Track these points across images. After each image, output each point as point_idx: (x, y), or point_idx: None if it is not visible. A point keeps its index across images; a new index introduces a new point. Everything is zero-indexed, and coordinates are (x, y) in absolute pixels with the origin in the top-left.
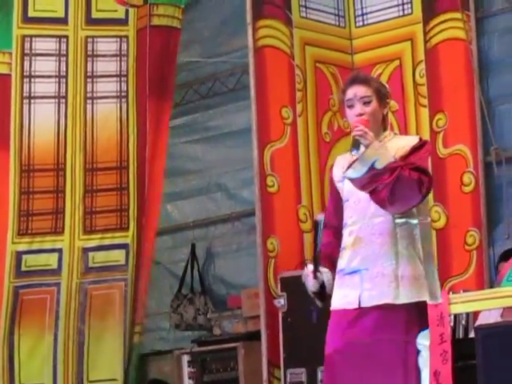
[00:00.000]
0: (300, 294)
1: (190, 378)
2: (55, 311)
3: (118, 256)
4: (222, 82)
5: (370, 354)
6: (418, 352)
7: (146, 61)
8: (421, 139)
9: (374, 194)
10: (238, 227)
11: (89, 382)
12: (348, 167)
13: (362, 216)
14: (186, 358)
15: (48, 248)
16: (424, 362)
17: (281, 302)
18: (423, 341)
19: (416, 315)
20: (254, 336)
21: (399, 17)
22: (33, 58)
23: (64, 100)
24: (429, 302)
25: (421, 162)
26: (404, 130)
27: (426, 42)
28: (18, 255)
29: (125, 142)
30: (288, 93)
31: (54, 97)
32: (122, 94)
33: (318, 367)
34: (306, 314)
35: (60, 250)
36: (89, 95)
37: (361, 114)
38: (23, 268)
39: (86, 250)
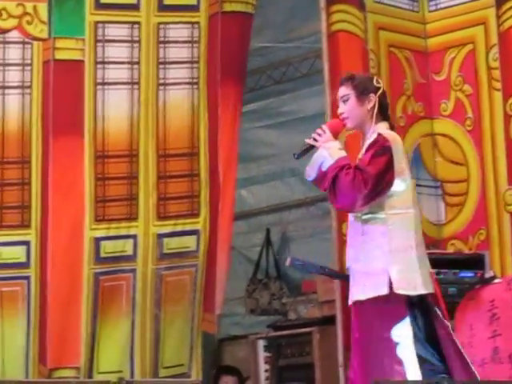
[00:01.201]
0: None
1: (265, 362)
2: (132, 298)
3: (189, 242)
4: (295, 67)
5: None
6: (396, 344)
7: (217, 47)
8: (378, 135)
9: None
10: (313, 212)
11: (163, 369)
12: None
13: (353, 213)
14: (261, 343)
15: (124, 234)
16: (406, 353)
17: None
18: (399, 332)
19: (381, 310)
20: (329, 320)
21: (472, 1)
22: (105, 44)
23: (137, 86)
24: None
25: (370, 159)
26: (477, 114)
27: (498, 25)
28: (97, 241)
29: (196, 128)
30: None
31: (127, 83)
32: (194, 80)
33: None
34: None
35: (135, 237)
36: (161, 81)
37: (341, 114)
38: (102, 254)
39: (160, 236)
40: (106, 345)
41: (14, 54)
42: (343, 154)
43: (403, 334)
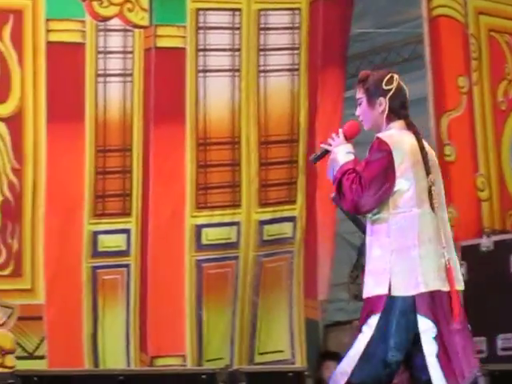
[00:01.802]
0: (480, 262)
1: None
2: (234, 285)
3: (286, 229)
4: (396, 53)
5: None
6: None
7: (318, 33)
8: (376, 138)
9: None
10: None
11: (259, 355)
12: None
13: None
14: None
15: (228, 221)
16: (358, 345)
17: None
18: (368, 324)
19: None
20: None
21: None
22: (206, 31)
23: (238, 73)
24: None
25: (366, 163)
26: None
27: None
28: (198, 229)
29: (296, 115)
30: (463, 62)
31: (228, 70)
32: (294, 66)
33: (497, 335)
34: (487, 282)
35: (238, 223)
36: (261, 68)
37: (358, 116)
38: (204, 241)
39: (261, 223)
40: (211, 332)
41: (115, 41)
42: (350, 157)
43: (370, 326)
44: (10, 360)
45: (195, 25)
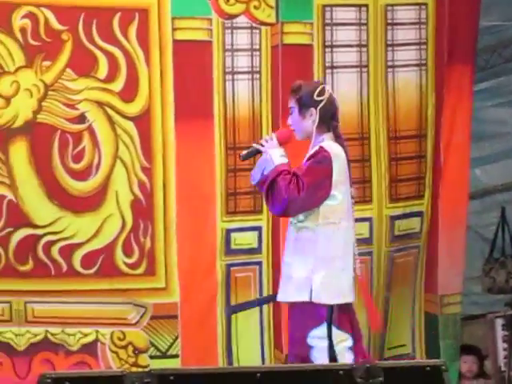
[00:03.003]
0: None
1: (503, 341)
2: (370, 280)
3: (414, 224)
4: None
5: None
6: (310, 348)
7: (444, 28)
8: (320, 147)
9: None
10: None
11: (388, 350)
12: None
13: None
14: (499, 322)
15: (359, 217)
16: (319, 356)
17: None
18: (316, 336)
19: (303, 312)
20: None
21: None
22: (333, 27)
23: (365, 69)
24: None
25: (308, 167)
26: None
27: None
28: None
29: (424, 110)
30: None
31: (356, 66)
32: (422, 61)
33: None
34: None
35: (370, 219)
36: (389, 64)
37: (289, 125)
38: None
39: (392, 219)
40: None
41: (242, 39)
42: (284, 160)
43: (319, 338)
44: (143, 359)
45: (322, 21)
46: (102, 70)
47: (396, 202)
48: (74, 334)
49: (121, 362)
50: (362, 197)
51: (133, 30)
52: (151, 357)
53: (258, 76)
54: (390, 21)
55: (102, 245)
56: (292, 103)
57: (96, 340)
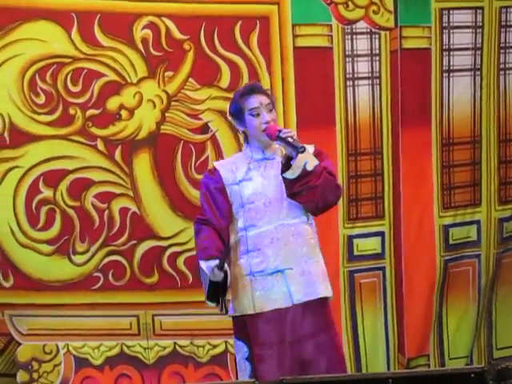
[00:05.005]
0: None
1: None
2: (477, 283)
3: None
4: None
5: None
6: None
7: None
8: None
9: (299, 196)
10: None
11: (497, 350)
12: (284, 169)
13: (276, 217)
14: None
15: (468, 220)
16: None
17: None
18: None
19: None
20: None
21: None
22: (451, 30)
23: (478, 72)
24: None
25: (331, 166)
26: None
27: None
28: (445, 229)
29: None
30: None
31: (470, 69)
32: None
33: None
34: None
35: (478, 222)
36: (501, 66)
37: (268, 122)
38: (450, 241)
39: (501, 221)
40: (456, 330)
41: (362, 44)
42: None
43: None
44: None
45: (440, 25)
46: (225, 78)
47: (505, 205)
48: (203, 346)
49: None
50: (472, 200)
51: (254, 38)
52: None
53: (377, 81)
54: (504, 23)
55: None
56: (269, 100)
57: (225, 351)
